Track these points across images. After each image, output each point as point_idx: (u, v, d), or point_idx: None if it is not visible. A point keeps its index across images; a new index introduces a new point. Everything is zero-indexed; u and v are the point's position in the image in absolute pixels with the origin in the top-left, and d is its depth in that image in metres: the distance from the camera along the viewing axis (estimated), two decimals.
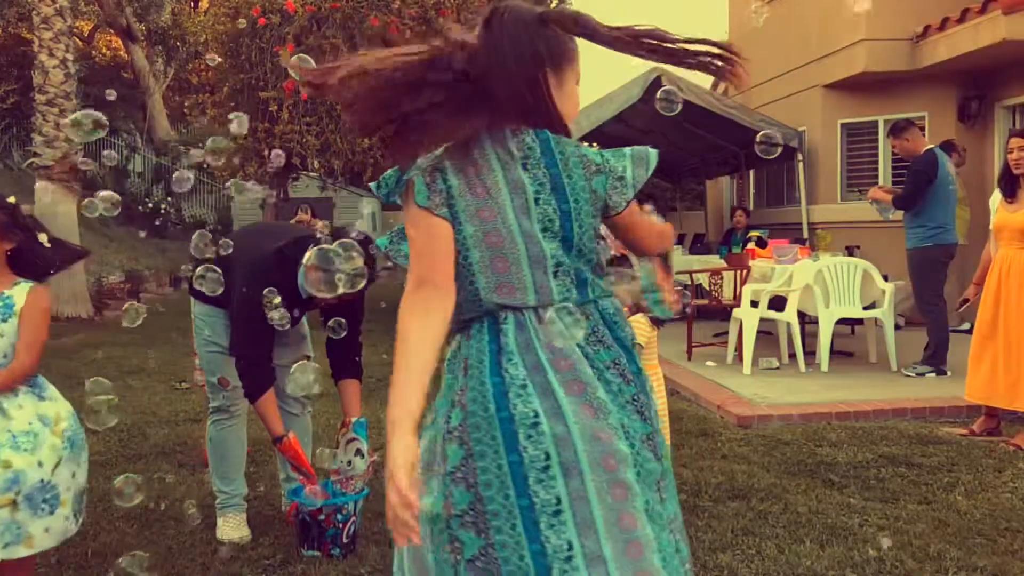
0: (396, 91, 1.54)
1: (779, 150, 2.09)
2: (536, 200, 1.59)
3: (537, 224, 1.59)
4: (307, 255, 1.68)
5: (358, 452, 3.28)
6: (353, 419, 3.35)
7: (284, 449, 3.25)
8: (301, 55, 2.20)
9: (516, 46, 1.58)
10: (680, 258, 9.55)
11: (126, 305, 2.37)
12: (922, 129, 8.93)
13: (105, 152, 11.81)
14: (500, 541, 1.52)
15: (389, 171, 1.66)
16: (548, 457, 1.53)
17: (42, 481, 2.46)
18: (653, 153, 1.70)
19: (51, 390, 2.66)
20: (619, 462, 1.55)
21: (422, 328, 1.55)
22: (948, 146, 7.79)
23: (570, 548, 1.50)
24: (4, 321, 2.56)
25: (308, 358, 3.71)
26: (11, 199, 2.59)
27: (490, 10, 1.63)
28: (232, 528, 3.42)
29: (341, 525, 3.21)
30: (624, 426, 1.59)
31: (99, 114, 2.25)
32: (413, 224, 1.60)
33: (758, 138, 2.10)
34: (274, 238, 3.36)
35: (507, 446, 1.54)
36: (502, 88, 1.57)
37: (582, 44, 1.74)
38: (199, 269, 2.52)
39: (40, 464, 2.46)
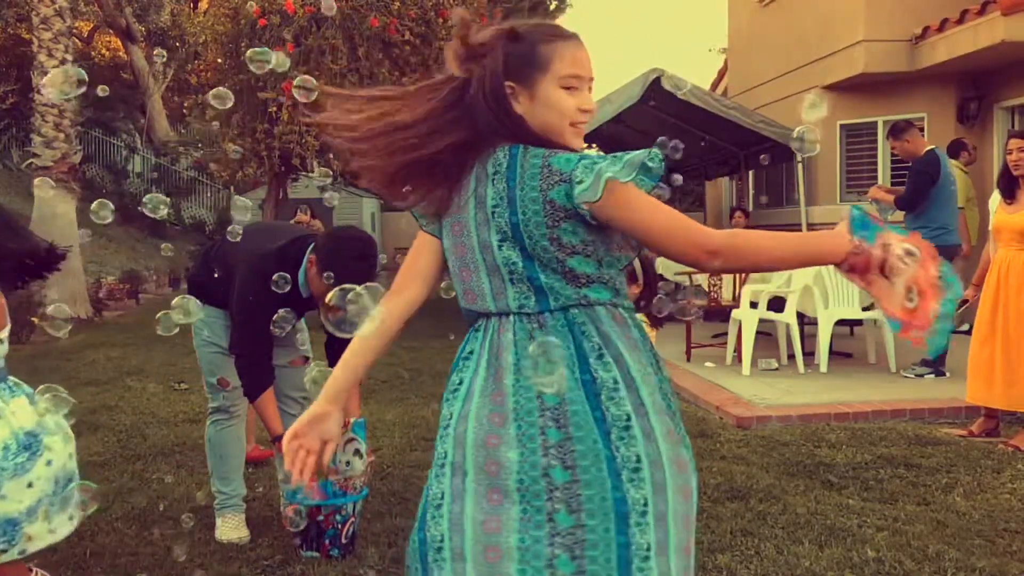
0: (412, 135, 1.69)
1: (817, 148, 2.01)
2: (493, 213, 1.66)
3: (496, 235, 1.66)
4: (329, 295, 1.71)
5: (356, 452, 3.28)
6: (352, 419, 3.35)
7: (280, 448, 3.25)
8: (303, 76, 2.20)
9: (486, 67, 1.68)
10: None
11: (159, 314, 2.28)
12: (921, 130, 8.95)
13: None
14: (416, 524, 1.72)
15: None
16: (445, 455, 1.67)
17: None
18: (606, 173, 1.59)
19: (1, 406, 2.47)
20: (500, 468, 1.59)
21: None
22: (958, 145, 7.77)
23: (441, 540, 1.63)
24: None
25: (307, 359, 3.72)
26: None
27: None
28: (231, 528, 3.42)
29: (340, 526, 3.21)
30: (522, 435, 1.59)
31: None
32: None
33: (795, 134, 2.01)
34: (274, 237, 3.37)
35: (438, 442, 1.73)
36: (476, 110, 1.68)
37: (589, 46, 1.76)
38: (176, 299, 2.49)
39: None
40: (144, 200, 2.51)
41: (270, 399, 3.26)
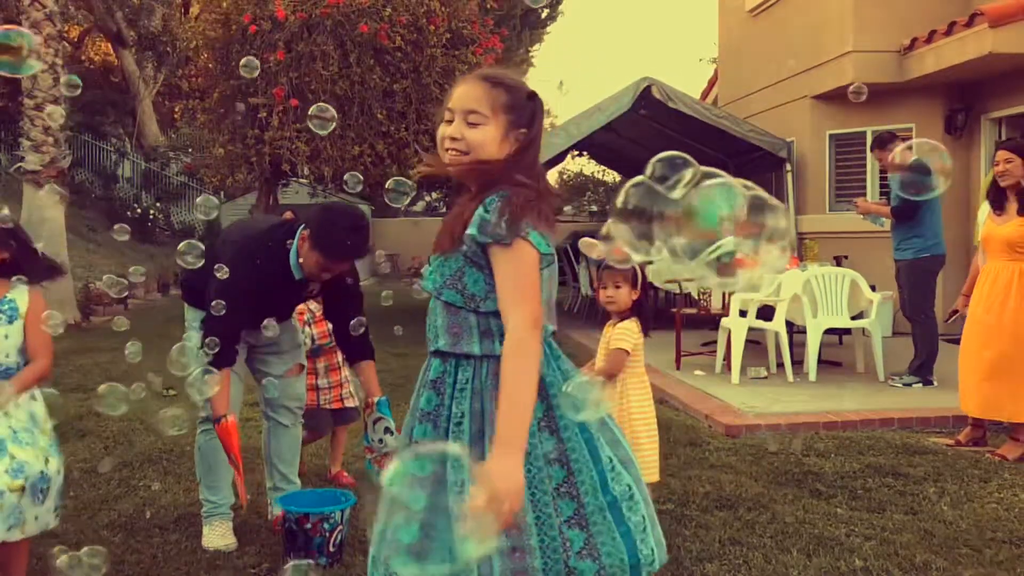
0: None
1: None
2: None
3: None
4: None
5: (387, 430, 3.25)
6: (375, 399, 3.31)
7: (219, 431, 3.14)
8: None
9: None
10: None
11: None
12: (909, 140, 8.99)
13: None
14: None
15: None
16: (611, 459, 1.96)
17: (41, 472, 2.63)
18: None
19: (36, 391, 2.79)
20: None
21: (538, 371, 1.78)
22: None
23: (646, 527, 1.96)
24: (10, 323, 2.72)
25: (302, 367, 3.70)
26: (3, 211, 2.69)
27: None
28: (218, 536, 3.40)
29: (328, 534, 3.19)
30: None
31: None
32: (533, 266, 1.80)
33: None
34: (263, 224, 3.40)
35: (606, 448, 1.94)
36: None
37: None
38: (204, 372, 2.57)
39: (36, 457, 2.63)
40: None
41: (225, 378, 3.10)
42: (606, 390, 1.80)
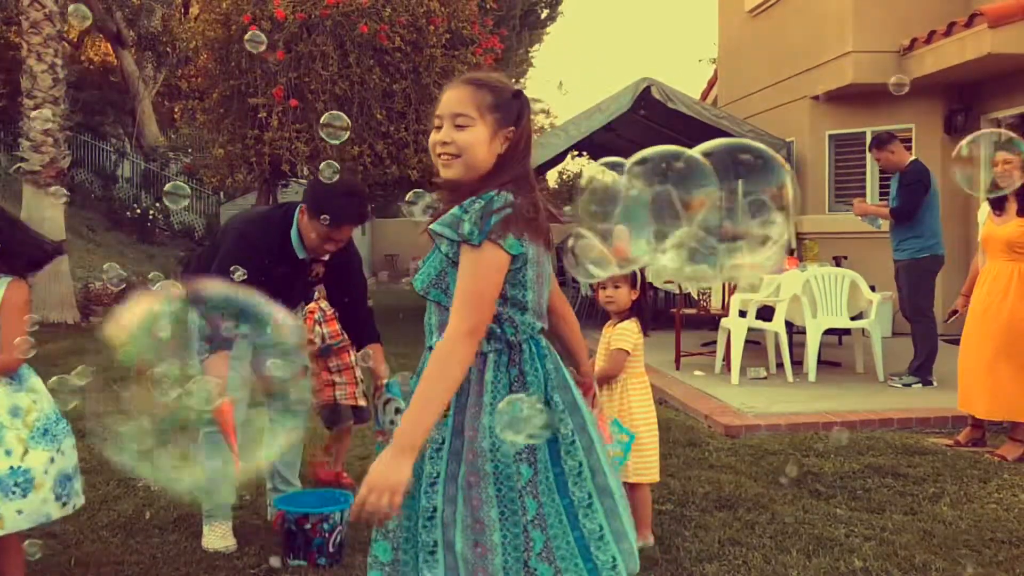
0: None
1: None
2: None
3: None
4: None
5: (397, 411, 3.24)
6: (384, 380, 3.31)
7: (216, 414, 3.01)
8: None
9: None
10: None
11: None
12: (909, 140, 9.00)
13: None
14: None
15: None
16: (580, 464, 1.98)
17: (11, 468, 2.55)
18: None
19: (32, 380, 2.76)
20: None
21: (460, 380, 1.80)
22: None
23: (602, 530, 1.96)
24: None
25: (306, 368, 3.69)
26: None
27: None
28: (217, 537, 3.40)
29: (327, 534, 3.19)
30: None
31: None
32: (495, 271, 1.81)
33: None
34: (263, 210, 3.42)
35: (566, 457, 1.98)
36: None
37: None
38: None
39: (8, 452, 2.56)
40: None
41: (222, 361, 3.05)
42: (540, 417, 1.78)
